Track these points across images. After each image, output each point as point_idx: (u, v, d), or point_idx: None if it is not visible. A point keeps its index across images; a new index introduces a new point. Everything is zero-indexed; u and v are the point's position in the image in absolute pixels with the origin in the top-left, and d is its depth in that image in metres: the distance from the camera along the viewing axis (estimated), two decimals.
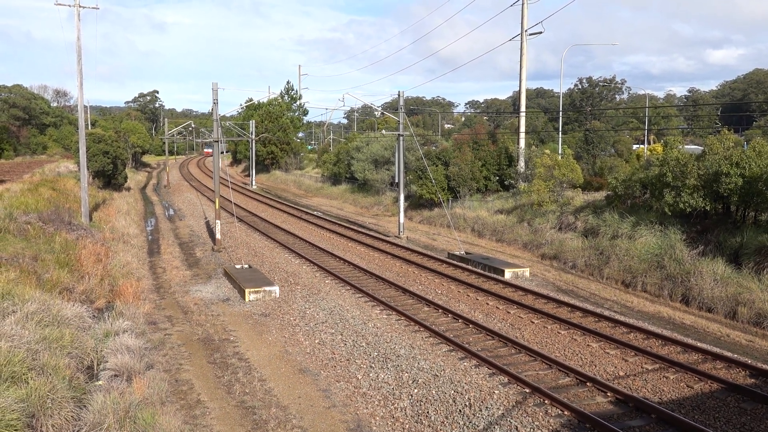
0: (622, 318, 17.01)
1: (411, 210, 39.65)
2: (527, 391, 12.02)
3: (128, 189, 54.96)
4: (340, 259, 25.33)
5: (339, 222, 37.11)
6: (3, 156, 78.05)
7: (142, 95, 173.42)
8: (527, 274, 23.00)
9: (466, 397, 11.88)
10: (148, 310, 17.94)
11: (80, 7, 29.19)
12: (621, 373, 13.13)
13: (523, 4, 35.57)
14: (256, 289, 19.67)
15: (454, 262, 24.42)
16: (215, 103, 27.64)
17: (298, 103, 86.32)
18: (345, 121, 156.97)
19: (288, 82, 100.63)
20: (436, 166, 37.75)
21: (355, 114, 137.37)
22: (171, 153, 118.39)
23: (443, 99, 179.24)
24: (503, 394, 11.89)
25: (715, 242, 21.50)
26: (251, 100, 74.56)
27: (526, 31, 35.67)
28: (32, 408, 8.87)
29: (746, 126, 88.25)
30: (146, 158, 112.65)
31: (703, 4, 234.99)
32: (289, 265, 24.53)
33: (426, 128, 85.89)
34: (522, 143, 37.66)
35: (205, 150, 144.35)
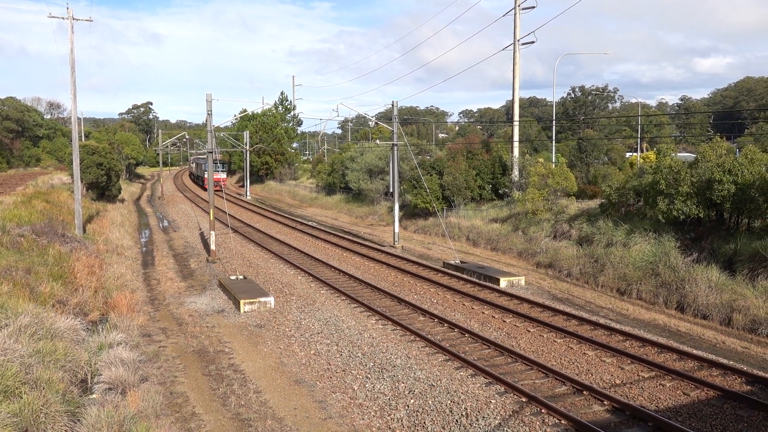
0: (617, 326, 17.02)
1: (406, 219, 39.66)
2: (524, 400, 11.99)
3: (122, 200, 54.80)
4: (335, 270, 25.28)
5: (334, 232, 37.08)
6: None
7: (135, 107, 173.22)
8: (522, 282, 23.00)
9: (463, 407, 11.84)
10: (143, 323, 17.83)
11: (74, 19, 29.20)
12: (617, 382, 13.12)
13: (515, 15, 35.84)
14: (251, 300, 19.60)
15: (450, 272, 24.41)
16: (209, 114, 27.65)
17: (292, 113, 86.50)
18: (339, 132, 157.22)
19: (282, 93, 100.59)
20: (431, 175, 37.81)
21: (349, 124, 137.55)
22: (165, 164, 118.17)
23: (437, 108, 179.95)
24: (500, 403, 11.86)
25: (709, 249, 21.57)
26: (245, 111, 74.60)
27: (519, 40, 35.91)
28: (25, 422, 8.78)
29: (738, 133, 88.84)
30: (140, 170, 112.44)
31: (690, 14, 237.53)
32: (284, 275, 24.46)
33: (420, 138, 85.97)
34: (516, 152, 37.81)
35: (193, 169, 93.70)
